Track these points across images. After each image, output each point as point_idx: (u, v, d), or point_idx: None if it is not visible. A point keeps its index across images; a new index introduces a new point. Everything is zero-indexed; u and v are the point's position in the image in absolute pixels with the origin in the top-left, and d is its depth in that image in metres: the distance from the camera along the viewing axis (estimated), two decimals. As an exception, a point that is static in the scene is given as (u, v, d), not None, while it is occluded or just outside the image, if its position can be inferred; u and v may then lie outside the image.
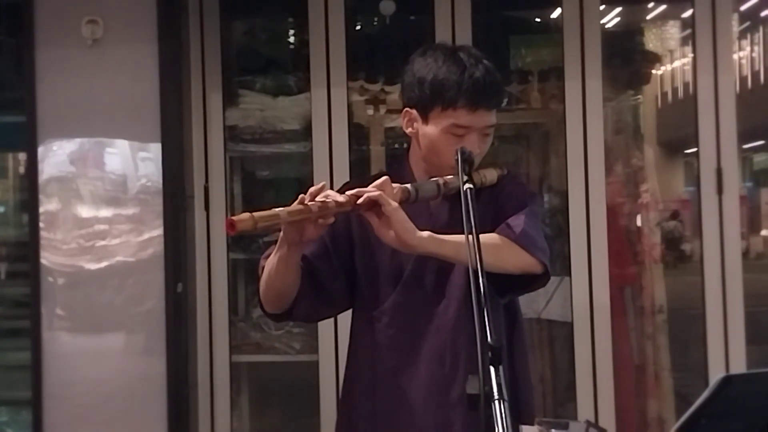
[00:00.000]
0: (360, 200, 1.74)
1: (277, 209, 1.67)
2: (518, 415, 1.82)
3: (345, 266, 1.98)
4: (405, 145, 3.78)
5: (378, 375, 1.97)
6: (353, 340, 2.06)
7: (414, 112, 1.93)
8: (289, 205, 1.72)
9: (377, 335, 1.97)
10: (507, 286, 1.88)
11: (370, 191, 1.75)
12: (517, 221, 1.87)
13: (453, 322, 1.92)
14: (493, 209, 1.92)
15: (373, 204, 1.75)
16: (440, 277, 1.94)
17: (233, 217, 1.61)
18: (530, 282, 1.90)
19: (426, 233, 1.78)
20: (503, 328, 1.96)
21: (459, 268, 1.91)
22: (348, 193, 1.77)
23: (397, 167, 2.05)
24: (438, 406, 1.92)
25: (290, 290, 1.91)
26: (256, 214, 1.63)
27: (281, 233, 1.81)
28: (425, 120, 1.91)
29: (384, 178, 1.79)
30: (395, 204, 1.75)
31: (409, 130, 1.97)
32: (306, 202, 1.71)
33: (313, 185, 1.76)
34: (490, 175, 1.95)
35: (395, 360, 1.96)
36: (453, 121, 1.87)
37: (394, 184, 1.80)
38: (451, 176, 1.86)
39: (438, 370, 1.93)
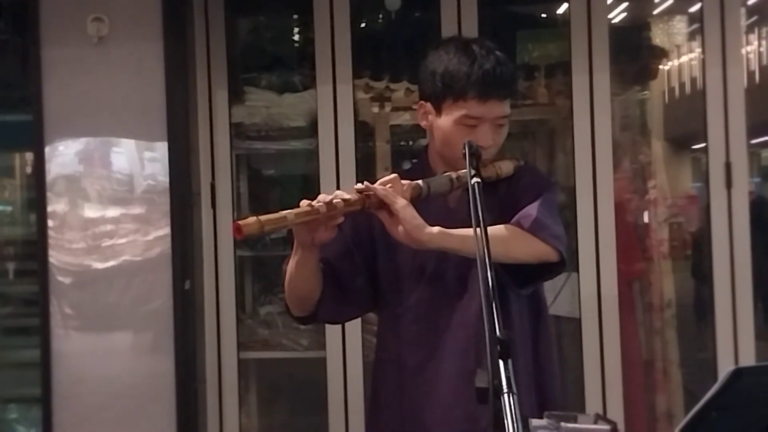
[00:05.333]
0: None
1: (284, 212, 1.67)
2: (544, 405, 1.84)
3: (367, 265, 1.99)
4: (410, 142, 3.80)
5: (404, 372, 1.98)
6: (379, 342, 2.07)
7: (428, 104, 1.95)
8: (296, 206, 1.71)
9: (402, 332, 1.98)
10: (525, 276, 1.88)
11: (378, 189, 1.75)
12: (531, 210, 1.88)
13: (476, 316, 1.91)
14: (510, 201, 1.93)
15: (383, 202, 1.75)
16: (462, 272, 1.94)
17: (240, 222, 1.61)
18: (548, 270, 1.91)
19: (436, 229, 1.77)
20: (527, 321, 1.96)
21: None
22: (355, 187, 1.77)
23: (419, 162, 2.07)
24: (465, 401, 1.91)
25: (312, 293, 1.92)
26: (262, 217, 1.63)
27: (295, 237, 1.82)
28: (438, 112, 1.93)
29: (393, 175, 1.80)
30: (403, 201, 1.75)
31: (423, 123, 1.98)
32: (313, 204, 1.71)
33: (319, 182, 1.77)
34: (506, 167, 1.95)
35: (420, 356, 1.96)
36: (464, 112, 1.88)
37: (404, 181, 1.80)
38: (465, 170, 1.87)
39: (462, 365, 1.93)
